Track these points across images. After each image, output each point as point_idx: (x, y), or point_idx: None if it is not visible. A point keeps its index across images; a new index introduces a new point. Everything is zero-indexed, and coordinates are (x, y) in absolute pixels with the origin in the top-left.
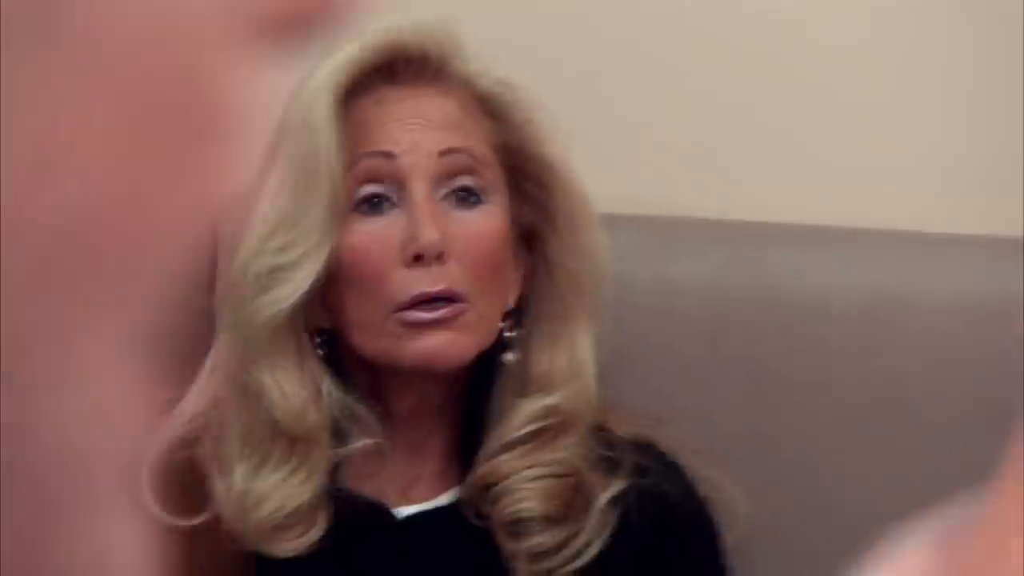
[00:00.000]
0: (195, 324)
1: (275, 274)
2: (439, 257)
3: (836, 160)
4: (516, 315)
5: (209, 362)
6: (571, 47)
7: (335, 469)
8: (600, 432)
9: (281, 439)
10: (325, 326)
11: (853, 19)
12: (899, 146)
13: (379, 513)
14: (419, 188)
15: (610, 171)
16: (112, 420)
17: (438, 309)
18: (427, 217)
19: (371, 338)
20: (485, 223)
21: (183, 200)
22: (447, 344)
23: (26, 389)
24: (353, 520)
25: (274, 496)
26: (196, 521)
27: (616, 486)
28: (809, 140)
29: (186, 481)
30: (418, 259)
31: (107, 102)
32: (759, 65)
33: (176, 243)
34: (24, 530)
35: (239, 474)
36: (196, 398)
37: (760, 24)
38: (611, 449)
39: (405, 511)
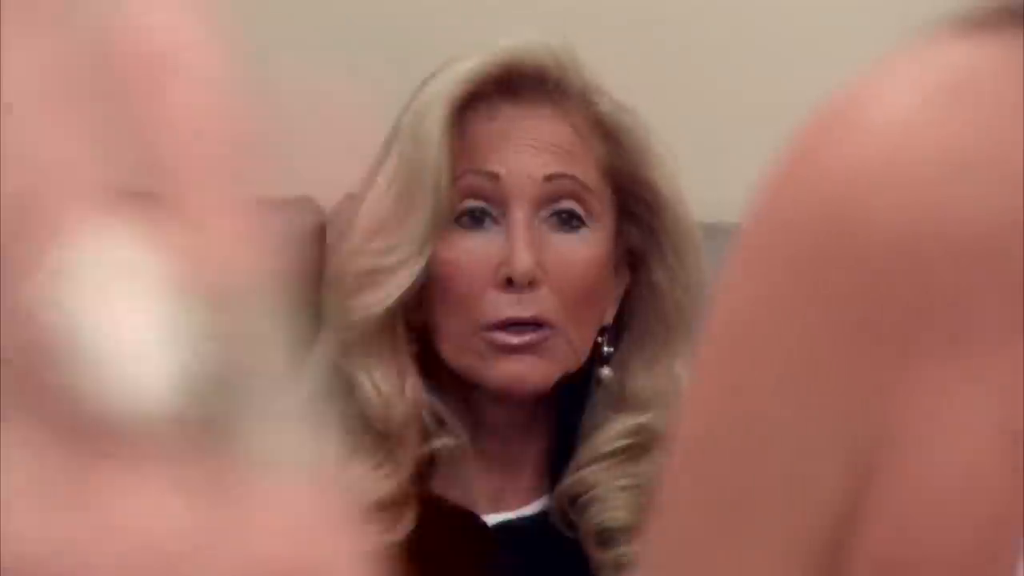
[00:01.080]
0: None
1: (373, 275)
2: (532, 283)
3: None
4: (613, 330)
5: (316, 347)
6: (679, 56)
7: (425, 473)
8: None
9: (371, 432)
10: (420, 324)
11: None
12: None
13: (468, 519)
14: (520, 212)
15: (719, 177)
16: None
17: (525, 334)
18: (524, 243)
19: (457, 351)
20: (584, 249)
21: None
22: (529, 370)
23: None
24: (440, 523)
25: (357, 486)
26: None
27: None
28: None
29: None
30: (510, 283)
31: None
32: None
33: None
34: None
35: None
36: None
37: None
38: None
39: (494, 519)
